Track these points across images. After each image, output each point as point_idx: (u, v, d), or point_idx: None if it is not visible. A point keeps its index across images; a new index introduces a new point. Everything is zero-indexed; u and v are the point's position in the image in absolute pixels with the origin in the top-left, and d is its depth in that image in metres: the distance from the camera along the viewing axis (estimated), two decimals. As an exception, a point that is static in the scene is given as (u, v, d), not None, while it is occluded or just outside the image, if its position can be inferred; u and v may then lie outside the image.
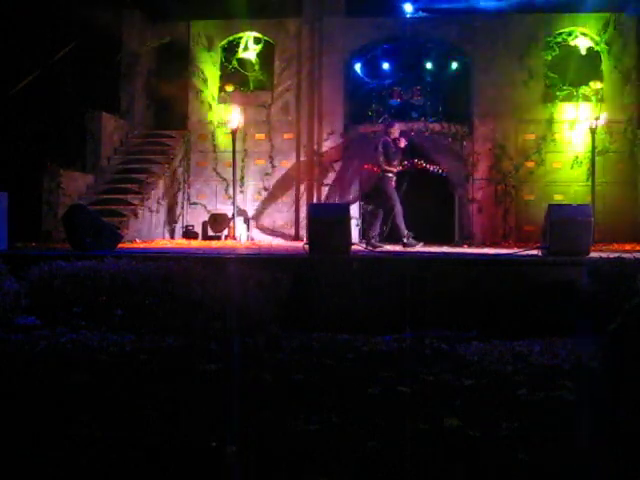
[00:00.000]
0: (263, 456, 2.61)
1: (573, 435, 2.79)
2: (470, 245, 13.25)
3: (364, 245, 10.86)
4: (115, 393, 3.49)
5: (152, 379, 3.79)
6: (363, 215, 15.28)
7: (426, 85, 14.94)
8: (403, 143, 11.32)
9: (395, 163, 11.06)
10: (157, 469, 2.49)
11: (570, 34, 15.02)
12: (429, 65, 15.00)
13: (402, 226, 10.91)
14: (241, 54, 15.78)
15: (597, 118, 13.82)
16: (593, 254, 8.05)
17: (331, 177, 15.04)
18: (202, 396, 3.42)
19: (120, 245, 9.33)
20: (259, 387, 3.58)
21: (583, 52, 14.98)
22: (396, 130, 11.39)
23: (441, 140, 14.04)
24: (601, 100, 14.64)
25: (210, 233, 15.15)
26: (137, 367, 4.08)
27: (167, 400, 3.34)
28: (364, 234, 14.70)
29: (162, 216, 14.57)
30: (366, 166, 12.17)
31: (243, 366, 4.05)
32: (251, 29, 15.71)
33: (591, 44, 14.98)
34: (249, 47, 15.79)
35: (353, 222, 12.10)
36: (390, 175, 10.99)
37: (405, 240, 10.85)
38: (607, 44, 14.82)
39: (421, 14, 15.51)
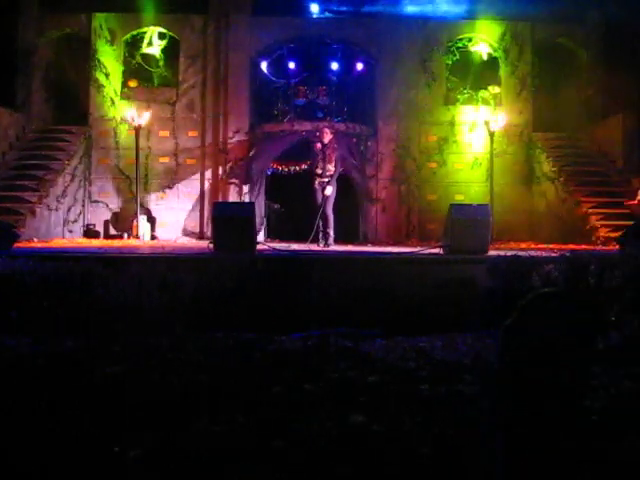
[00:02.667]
0: (168, 458, 2.56)
1: (471, 427, 2.88)
2: (374, 244, 13.45)
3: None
4: (7, 400, 3.35)
5: (50, 385, 3.66)
6: (268, 214, 15.30)
7: (331, 85, 15.10)
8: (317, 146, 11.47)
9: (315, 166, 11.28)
10: (58, 476, 2.41)
11: (470, 40, 15.54)
12: (335, 66, 15.15)
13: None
14: (145, 49, 15.45)
15: (495, 121, 14.33)
16: (491, 252, 8.34)
17: (236, 175, 14.94)
18: (104, 400, 3.33)
19: (17, 245, 8.97)
20: (163, 389, 3.51)
21: (483, 58, 15.55)
22: (324, 134, 11.48)
23: (346, 140, 14.19)
24: (499, 104, 15.21)
25: (112, 232, 14.78)
26: (34, 372, 3.93)
27: (67, 406, 3.23)
28: (268, 233, 14.76)
29: (62, 214, 14.07)
30: None
31: (147, 368, 3.97)
32: (156, 24, 15.40)
33: (490, 50, 15.56)
34: (153, 42, 15.48)
35: (258, 221, 12.11)
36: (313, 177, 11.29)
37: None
38: (505, 51, 15.45)
39: (327, 15, 15.64)
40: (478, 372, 3.85)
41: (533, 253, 7.59)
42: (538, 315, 2.94)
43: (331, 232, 11.14)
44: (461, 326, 5.36)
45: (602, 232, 12.27)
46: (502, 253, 7.88)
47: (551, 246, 11.28)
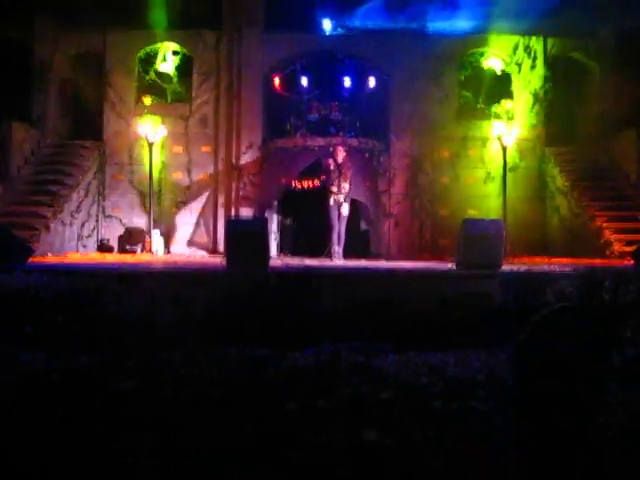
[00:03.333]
0: (183, 472, 2.56)
1: (484, 443, 2.86)
2: (387, 259, 13.43)
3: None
4: (21, 415, 3.36)
5: (65, 399, 3.67)
6: (281, 229, 15.33)
7: (344, 101, 15.12)
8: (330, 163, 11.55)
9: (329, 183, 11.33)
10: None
11: (482, 54, 15.57)
12: (347, 81, 15.20)
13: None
14: (159, 65, 15.59)
15: (508, 136, 14.31)
16: (505, 267, 8.31)
17: (249, 190, 14.98)
18: (119, 415, 3.34)
19: (31, 259, 9.02)
20: (177, 404, 3.51)
21: (495, 72, 15.57)
22: (337, 152, 11.55)
23: (359, 155, 14.23)
24: (512, 118, 15.20)
25: (126, 247, 14.84)
26: (49, 387, 3.94)
27: (80, 420, 3.23)
28: (281, 248, 14.79)
29: (76, 229, 14.17)
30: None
31: (161, 383, 3.97)
32: (169, 40, 15.54)
33: (502, 65, 15.57)
34: (167, 58, 15.63)
35: (271, 236, 12.15)
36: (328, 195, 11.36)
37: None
38: (517, 65, 15.46)
39: (340, 31, 15.72)
40: (491, 388, 3.82)
41: (547, 268, 7.56)
42: (552, 331, 2.93)
43: (341, 249, 11.18)
44: (474, 342, 5.33)
45: (616, 246, 12.20)
46: (516, 268, 7.86)
47: (565, 261, 11.22)
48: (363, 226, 15.31)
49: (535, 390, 2.78)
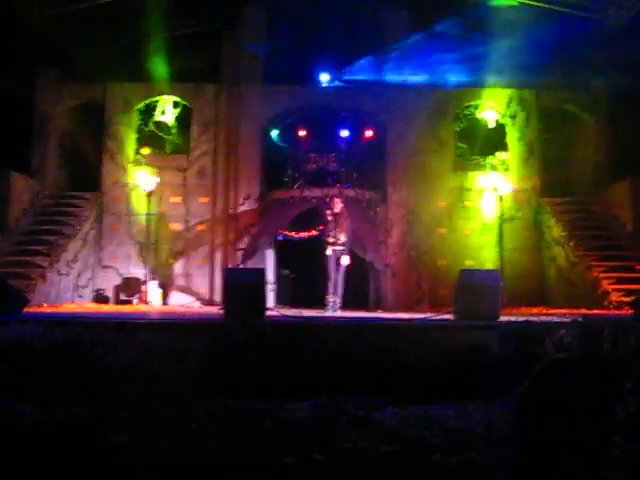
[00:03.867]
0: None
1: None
2: (385, 310, 13.37)
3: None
4: (12, 469, 3.29)
5: (55, 454, 3.60)
6: (278, 279, 15.30)
7: (341, 152, 15.26)
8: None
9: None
10: None
11: (477, 107, 15.81)
12: (344, 133, 15.38)
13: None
14: (158, 117, 15.77)
15: (503, 187, 14.42)
16: (503, 318, 8.27)
17: (246, 241, 15.00)
18: (112, 471, 3.27)
19: (26, 309, 8.96)
20: (173, 459, 3.45)
21: (490, 124, 15.80)
22: (334, 204, 11.61)
23: (356, 206, 14.30)
24: (507, 170, 15.34)
25: (122, 297, 14.78)
26: (39, 441, 3.87)
27: (68, 471, 3.17)
28: (279, 299, 14.72)
29: (72, 279, 14.13)
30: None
31: (156, 437, 3.91)
32: (169, 93, 15.76)
33: (497, 117, 15.80)
34: (166, 110, 15.81)
35: (268, 287, 12.11)
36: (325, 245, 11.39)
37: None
38: (511, 118, 15.68)
39: (337, 84, 15.98)
40: (491, 440, 3.77)
41: (545, 318, 7.53)
42: (553, 382, 2.90)
43: (339, 299, 11.16)
44: (474, 393, 5.28)
45: (614, 296, 12.17)
46: (513, 319, 7.83)
47: (563, 311, 11.18)
48: (359, 277, 15.28)
49: (536, 442, 2.75)
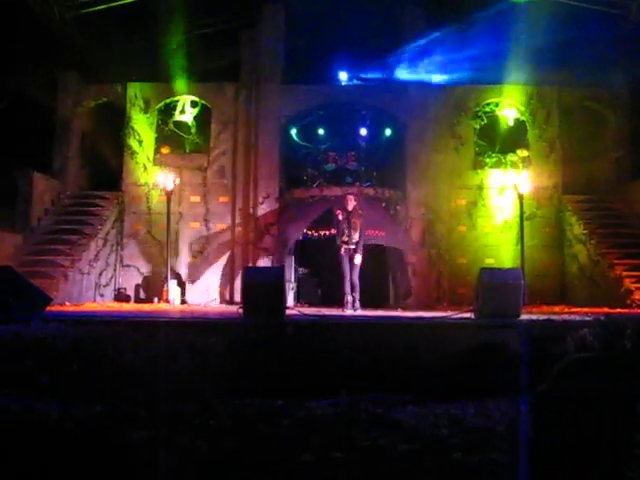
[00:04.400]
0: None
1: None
2: (404, 308, 13.32)
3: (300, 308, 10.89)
4: (33, 465, 3.32)
5: (77, 449, 3.63)
6: (298, 278, 15.30)
7: (361, 151, 15.23)
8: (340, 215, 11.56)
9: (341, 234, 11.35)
10: None
11: (497, 105, 15.71)
12: (363, 131, 15.35)
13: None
14: (178, 117, 15.85)
15: (524, 185, 14.30)
16: (524, 316, 8.21)
17: (266, 240, 15.02)
18: (131, 467, 3.29)
19: (49, 308, 9.04)
20: (192, 456, 3.46)
21: (510, 122, 15.71)
22: (348, 201, 11.56)
23: (376, 205, 14.27)
24: (528, 167, 15.21)
25: (143, 296, 14.87)
26: (62, 437, 3.90)
27: (92, 472, 3.19)
28: (298, 298, 14.72)
29: (93, 278, 14.24)
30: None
31: (175, 434, 3.92)
32: (188, 93, 15.82)
33: (517, 114, 15.69)
34: (186, 110, 15.88)
35: (288, 285, 12.11)
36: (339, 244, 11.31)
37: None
38: (531, 115, 15.56)
39: (356, 82, 15.95)
40: (512, 439, 3.74)
41: (566, 317, 7.47)
42: (574, 381, 2.87)
43: (358, 297, 11.13)
44: (494, 392, 5.24)
45: (637, 295, 12.04)
46: (535, 317, 7.77)
47: (585, 310, 11.08)
48: (379, 276, 15.24)
49: (557, 442, 2.72)
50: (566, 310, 11.41)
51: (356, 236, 11.19)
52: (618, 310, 10.92)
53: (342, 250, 11.18)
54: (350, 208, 11.38)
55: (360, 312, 10.81)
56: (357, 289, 11.14)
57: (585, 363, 2.99)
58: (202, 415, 4.49)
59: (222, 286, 15.16)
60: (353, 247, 11.16)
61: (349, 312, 10.82)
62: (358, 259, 11.10)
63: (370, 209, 13.39)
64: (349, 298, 11.11)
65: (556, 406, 2.70)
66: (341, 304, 11.11)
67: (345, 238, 11.20)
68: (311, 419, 4.45)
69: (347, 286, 11.14)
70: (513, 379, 5.26)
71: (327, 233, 14.09)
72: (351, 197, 11.67)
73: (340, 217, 11.43)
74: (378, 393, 5.28)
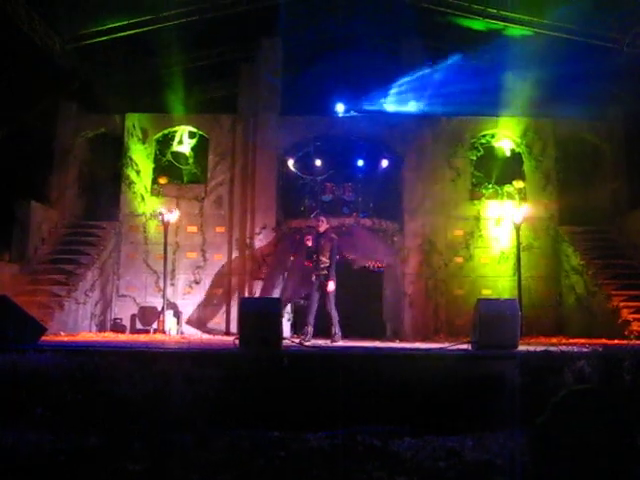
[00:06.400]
0: None
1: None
2: (402, 340, 13.25)
3: (297, 340, 10.70)
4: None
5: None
6: (295, 310, 15.23)
7: (357, 181, 15.30)
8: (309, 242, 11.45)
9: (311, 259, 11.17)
10: None
11: (493, 136, 15.83)
12: (360, 162, 15.43)
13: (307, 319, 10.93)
14: (175, 147, 15.93)
15: (521, 215, 14.33)
16: (521, 347, 8.18)
17: (263, 271, 14.99)
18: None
19: (44, 338, 8.98)
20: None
21: (506, 153, 15.83)
22: (320, 225, 11.37)
23: (372, 235, 14.26)
24: (524, 198, 15.28)
25: (139, 326, 14.78)
26: (54, 470, 3.85)
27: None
28: (295, 329, 14.60)
29: (89, 308, 14.17)
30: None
31: (169, 466, 3.87)
32: (186, 123, 15.93)
33: (513, 146, 15.81)
34: (184, 141, 15.98)
35: (285, 316, 12.03)
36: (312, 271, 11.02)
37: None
38: (528, 147, 15.68)
39: (353, 114, 16.06)
40: (510, 473, 3.70)
41: (564, 348, 7.43)
42: (572, 413, 2.85)
43: (336, 329, 10.74)
44: (492, 424, 5.20)
45: (635, 326, 12.01)
46: (532, 348, 7.73)
47: (582, 341, 11.03)
48: (374, 307, 15.20)
49: (555, 474, 2.69)
50: (563, 341, 11.35)
51: (325, 260, 10.80)
52: (616, 341, 10.89)
53: (312, 277, 10.85)
54: (321, 230, 11.16)
55: (341, 343, 10.55)
56: (335, 320, 10.69)
57: (583, 395, 2.97)
58: (197, 447, 4.44)
59: (219, 316, 15.08)
60: (324, 273, 10.72)
61: (339, 343, 10.57)
62: (331, 286, 10.60)
63: (369, 240, 13.40)
64: (309, 329, 10.71)
65: (554, 438, 2.68)
66: (329, 336, 10.85)
67: (313, 263, 10.91)
68: (307, 451, 4.40)
69: (310, 317, 10.78)
70: (511, 411, 5.22)
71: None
72: (323, 219, 11.48)
73: (309, 243, 11.29)
74: (375, 425, 5.24)
